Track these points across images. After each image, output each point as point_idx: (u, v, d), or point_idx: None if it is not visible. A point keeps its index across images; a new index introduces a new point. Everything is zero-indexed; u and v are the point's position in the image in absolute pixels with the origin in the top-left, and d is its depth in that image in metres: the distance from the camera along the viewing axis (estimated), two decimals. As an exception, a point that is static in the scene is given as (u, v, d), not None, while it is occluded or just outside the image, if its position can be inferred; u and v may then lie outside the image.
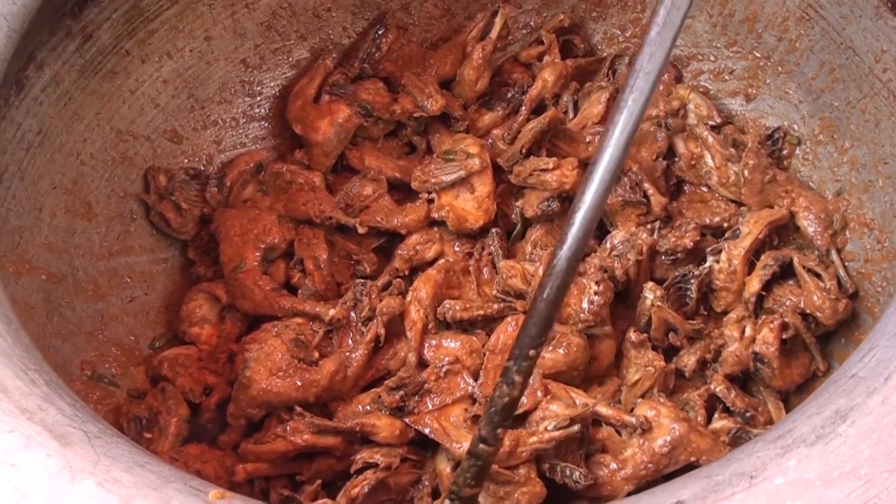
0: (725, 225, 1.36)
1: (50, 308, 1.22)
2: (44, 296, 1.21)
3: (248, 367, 1.24)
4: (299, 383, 1.24)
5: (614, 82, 1.50)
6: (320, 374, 1.24)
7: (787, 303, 1.29)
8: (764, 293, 1.30)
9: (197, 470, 1.21)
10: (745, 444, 0.75)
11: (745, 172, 1.35)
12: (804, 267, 1.29)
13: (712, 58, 1.50)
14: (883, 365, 0.76)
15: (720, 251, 1.32)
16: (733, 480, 0.69)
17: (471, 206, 1.37)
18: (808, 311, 1.27)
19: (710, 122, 1.43)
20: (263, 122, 1.53)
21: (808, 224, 1.34)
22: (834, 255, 1.32)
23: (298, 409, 1.23)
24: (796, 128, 1.41)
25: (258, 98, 1.52)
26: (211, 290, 1.37)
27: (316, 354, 1.28)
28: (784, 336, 1.26)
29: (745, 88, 1.47)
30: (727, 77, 1.49)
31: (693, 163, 1.41)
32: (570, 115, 1.48)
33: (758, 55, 1.44)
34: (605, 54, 1.57)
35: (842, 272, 1.30)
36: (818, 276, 1.28)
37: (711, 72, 1.50)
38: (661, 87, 1.48)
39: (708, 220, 1.37)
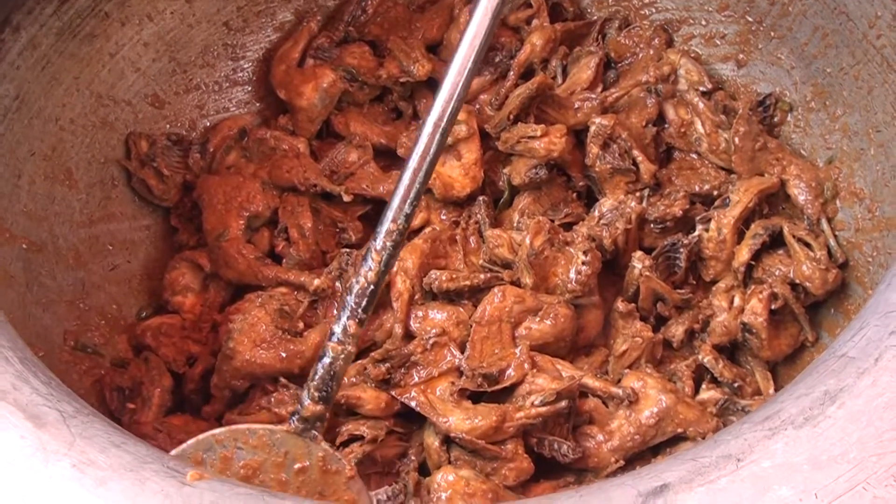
0: (715, 193, 1.34)
1: (30, 277, 1.20)
2: (23, 265, 1.19)
3: (231, 338, 1.23)
4: (284, 354, 1.23)
5: (604, 46, 1.48)
6: (305, 345, 1.23)
7: (777, 272, 1.28)
8: (753, 262, 1.29)
9: (181, 441, 1.19)
10: (732, 426, 0.74)
11: (736, 139, 1.33)
12: (794, 236, 1.28)
13: (703, 22, 1.47)
14: (873, 345, 0.75)
15: (710, 220, 1.31)
16: (720, 463, 0.68)
17: (457, 173, 1.35)
18: (797, 281, 1.26)
19: (701, 88, 1.40)
20: (247, 87, 1.51)
21: (799, 192, 1.33)
22: (824, 224, 1.31)
23: (283, 380, 1.22)
24: (788, 94, 1.39)
25: (241, 62, 1.50)
26: (194, 258, 1.36)
27: (301, 325, 1.27)
28: (773, 306, 1.25)
29: (737, 53, 1.45)
30: (718, 42, 1.46)
31: (683, 130, 1.39)
32: (559, 80, 1.45)
33: (750, 19, 1.42)
34: (594, 18, 1.54)
35: (832, 241, 1.29)
36: (808, 245, 1.27)
37: (703, 36, 1.47)
38: (651, 52, 1.46)
39: (698, 188, 1.35)
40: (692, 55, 1.46)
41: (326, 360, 1.05)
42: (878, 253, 1.25)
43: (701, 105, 1.37)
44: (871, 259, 1.26)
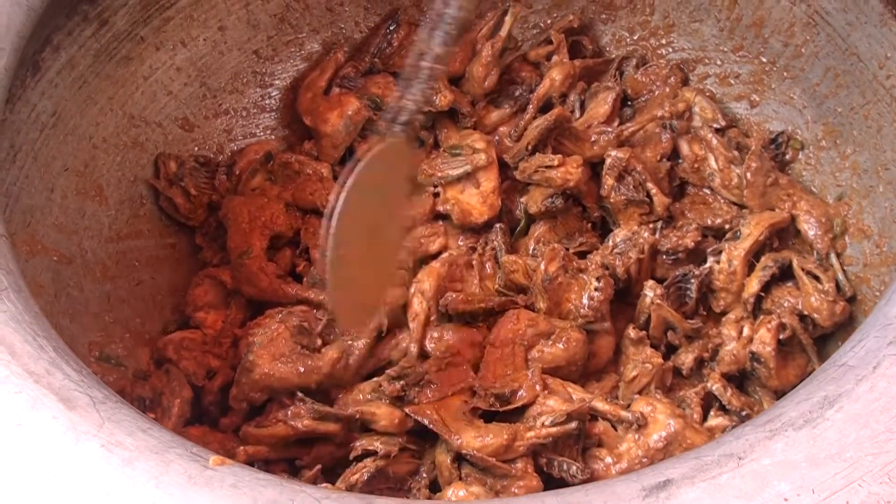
0: (727, 227, 1.37)
1: (58, 288, 1.23)
2: (52, 276, 1.23)
3: (251, 351, 1.26)
4: (301, 369, 1.25)
5: (621, 83, 1.52)
6: (322, 360, 1.26)
7: (786, 304, 1.30)
8: (763, 294, 1.31)
9: (198, 451, 1.22)
10: (734, 429, 0.77)
11: (748, 175, 1.36)
12: (803, 269, 1.30)
13: (719, 62, 1.51)
14: (872, 354, 0.77)
15: (720, 252, 1.33)
16: (721, 461, 0.71)
17: (476, 200, 1.38)
18: (805, 313, 1.28)
19: (715, 125, 1.44)
20: (274, 113, 1.56)
21: (809, 227, 1.36)
22: (833, 259, 1.33)
23: (300, 394, 1.24)
24: (800, 132, 1.43)
25: (269, 89, 1.54)
26: (217, 275, 1.39)
27: (319, 342, 1.30)
28: (781, 337, 1.27)
29: (750, 93, 1.48)
30: (733, 81, 1.50)
31: (697, 165, 1.42)
32: (577, 114, 1.49)
33: (764, 60, 1.46)
34: (613, 56, 1.58)
35: (840, 276, 1.32)
36: (817, 278, 1.29)
37: (717, 76, 1.51)
38: (667, 90, 1.50)
39: (710, 222, 1.38)
40: (707, 93, 1.49)
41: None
42: (885, 287, 1.27)
43: (714, 141, 1.41)
44: (879, 293, 1.28)
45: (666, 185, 1.41)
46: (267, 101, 1.55)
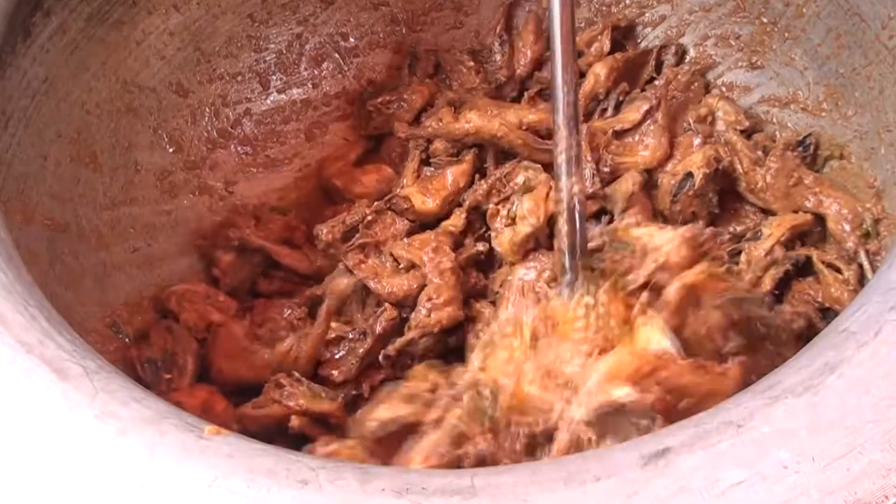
0: (749, 234, 1.33)
1: (53, 256, 1.22)
2: (47, 244, 1.21)
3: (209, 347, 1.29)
4: (253, 366, 1.29)
5: (658, 91, 1.46)
6: (272, 355, 1.29)
7: (806, 298, 1.26)
8: (783, 291, 1.28)
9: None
10: (734, 396, 0.76)
11: (768, 177, 1.33)
12: (823, 262, 1.27)
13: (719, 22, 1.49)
14: (874, 320, 0.77)
15: (740, 252, 1.30)
16: (720, 429, 0.70)
17: None
18: (827, 305, 1.25)
19: (739, 128, 1.40)
20: (268, 78, 1.54)
21: (837, 225, 1.30)
22: (863, 257, 1.27)
23: (296, 374, 1.25)
24: (801, 94, 1.41)
25: (264, 53, 1.53)
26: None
27: (283, 333, 1.32)
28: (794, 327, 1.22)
29: (751, 55, 1.46)
30: (733, 42, 1.48)
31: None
32: (609, 113, 1.45)
33: (765, 21, 1.44)
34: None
35: (866, 264, 1.26)
36: (838, 270, 1.25)
37: (717, 37, 1.49)
38: (690, 96, 1.47)
39: (732, 229, 1.36)
40: (728, 97, 1.46)
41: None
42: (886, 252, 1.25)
43: (739, 143, 1.37)
44: (886, 260, 1.25)
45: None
46: (261, 66, 1.53)
